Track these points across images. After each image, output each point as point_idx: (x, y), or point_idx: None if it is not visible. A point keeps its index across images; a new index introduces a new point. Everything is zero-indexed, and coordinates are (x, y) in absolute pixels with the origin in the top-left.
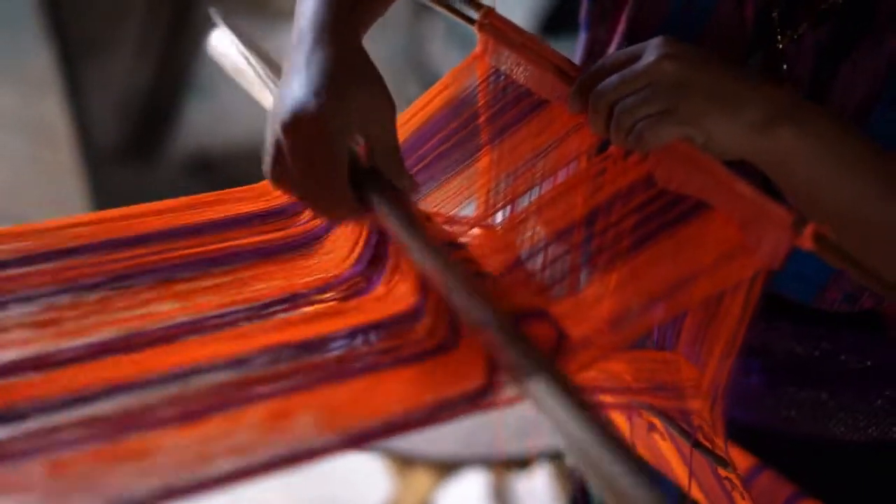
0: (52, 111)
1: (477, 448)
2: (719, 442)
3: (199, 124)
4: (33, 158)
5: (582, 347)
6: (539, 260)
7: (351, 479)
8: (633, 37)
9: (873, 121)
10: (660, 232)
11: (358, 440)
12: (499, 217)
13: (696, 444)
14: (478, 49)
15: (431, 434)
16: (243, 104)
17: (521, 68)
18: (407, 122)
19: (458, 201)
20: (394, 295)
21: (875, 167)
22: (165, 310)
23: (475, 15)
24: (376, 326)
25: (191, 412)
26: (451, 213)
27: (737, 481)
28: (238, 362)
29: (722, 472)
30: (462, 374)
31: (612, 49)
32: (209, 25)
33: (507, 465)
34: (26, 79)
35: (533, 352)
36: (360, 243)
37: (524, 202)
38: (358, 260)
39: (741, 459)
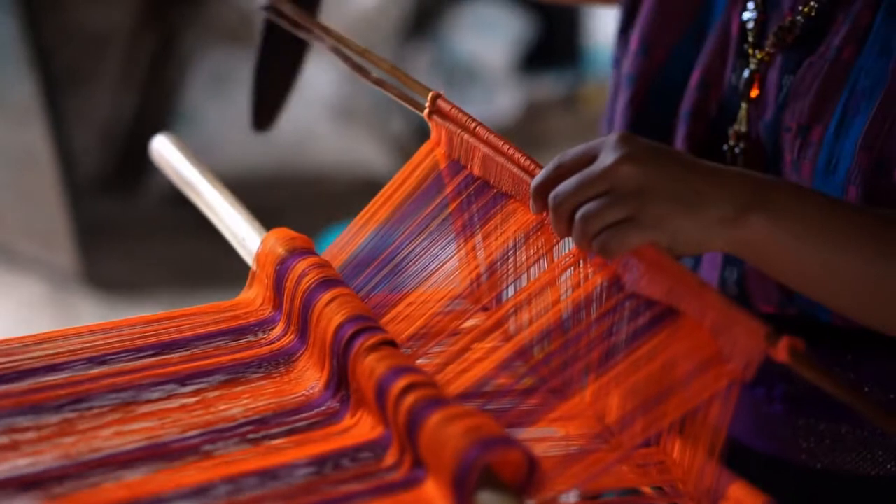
0: (36, 141)
1: None
2: None
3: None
4: (16, 187)
5: (557, 473)
6: (507, 377)
7: None
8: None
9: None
10: (632, 339)
11: None
12: (465, 325)
13: None
14: (433, 137)
15: None
16: (227, 134)
17: (475, 160)
18: (371, 215)
19: (428, 308)
20: (362, 424)
21: (864, 230)
22: (128, 430)
23: (425, 102)
24: (346, 454)
25: None
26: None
27: None
28: (200, 492)
29: None
30: None
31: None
32: (192, 55)
33: None
34: (9, 109)
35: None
36: (327, 367)
37: (494, 307)
38: (327, 385)
39: (750, 499)
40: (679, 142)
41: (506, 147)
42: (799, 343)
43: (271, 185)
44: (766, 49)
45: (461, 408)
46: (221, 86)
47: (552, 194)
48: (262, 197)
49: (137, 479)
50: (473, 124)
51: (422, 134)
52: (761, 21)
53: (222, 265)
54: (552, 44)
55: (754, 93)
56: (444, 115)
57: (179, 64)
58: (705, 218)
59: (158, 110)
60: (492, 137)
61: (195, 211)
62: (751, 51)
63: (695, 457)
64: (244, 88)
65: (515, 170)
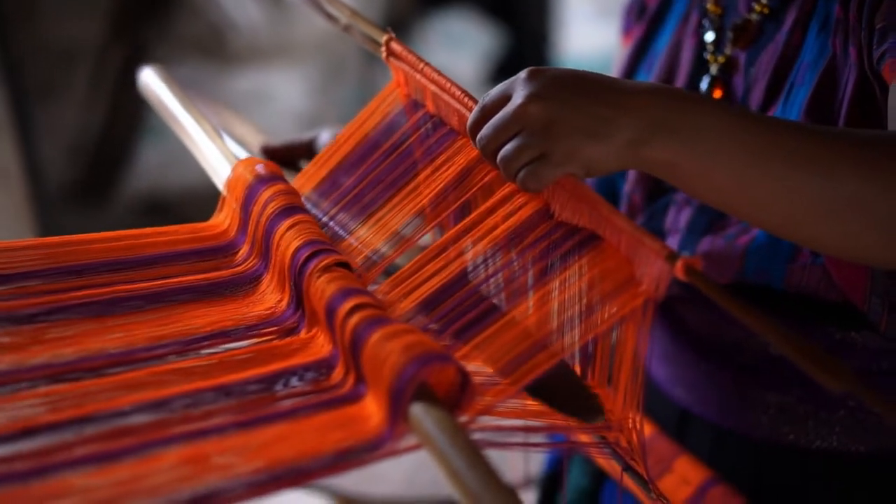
0: (5, 154)
1: (419, 488)
2: (642, 468)
3: (152, 166)
4: None
5: (488, 387)
6: (445, 299)
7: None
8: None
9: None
10: (560, 263)
11: (269, 484)
12: (413, 252)
13: (627, 468)
14: (394, 78)
15: (373, 474)
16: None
17: (428, 99)
18: (337, 149)
19: (387, 231)
20: (314, 343)
21: (776, 146)
22: (97, 341)
23: (381, 40)
24: (295, 372)
25: (106, 454)
26: (369, 252)
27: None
28: (158, 405)
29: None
30: (367, 423)
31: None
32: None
33: None
34: None
35: (429, 399)
36: (287, 289)
37: (436, 237)
38: (287, 305)
39: (693, 473)
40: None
41: (449, 86)
42: (695, 262)
43: None
44: (726, 52)
45: (401, 326)
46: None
47: (476, 138)
48: None
49: (100, 385)
50: (422, 64)
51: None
52: (718, 28)
53: None
54: (522, 57)
55: (717, 94)
56: (398, 57)
57: None
58: (613, 144)
59: (127, 124)
60: (438, 77)
61: (164, 221)
62: (711, 58)
63: (621, 401)
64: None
65: (460, 108)
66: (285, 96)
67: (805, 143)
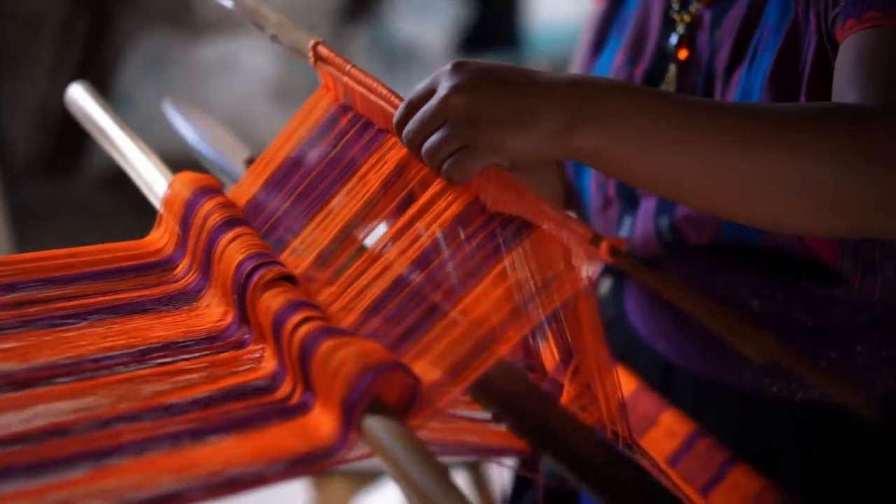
0: None
1: None
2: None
3: None
4: None
5: (438, 390)
6: (388, 303)
7: (268, 489)
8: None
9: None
10: (499, 253)
11: (224, 488)
12: (355, 253)
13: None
14: (322, 83)
15: None
16: (162, 117)
17: (357, 101)
18: (271, 158)
19: (322, 241)
20: (262, 357)
21: (698, 128)
22: (34, 353)
23: (308, 48)
24: (244, 388)
25: (49, 463)
26: (308, 264)
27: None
28: (105, 421)
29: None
30: (318, 432)
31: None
32: (126, 38)
33: None
34: None
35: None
36: (231, 304)
37: (373, 240)
38: (232, 320)
39: (679, 426)
40: None
41: (376, 85)
42: (619, 243)
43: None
44: (691, 10)
45: (349, 337)
46: (158, 67)
47: (403, 134)
48: None
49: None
50: (348, 66)
51: None
52: None
53: None
54: (491, 25)
55: (683, 54)
56: (326, 61)
57: (115, 46)
58: (538, 134)
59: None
60: (364, 77)
61: (131, 194)
62: (677, 17)
63: (594, 372)
64: (180, 72)
65: (387, 106)
66: (253, 65)
67: (726, 122)
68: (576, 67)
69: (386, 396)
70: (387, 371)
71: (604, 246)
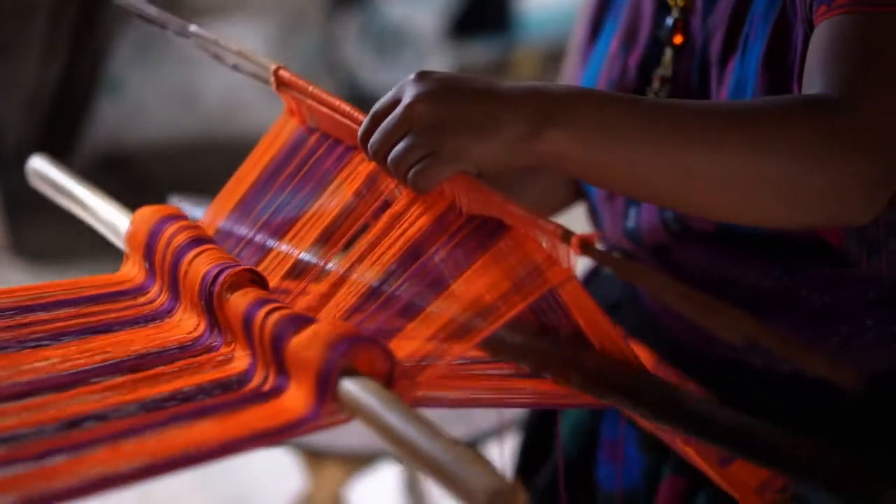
0: None
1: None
2: None
3: (111, 121)
4: None
5: (415, 369)
6: (371, 304)
7: (264, 475)
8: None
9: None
10: (475, 252)
11: (199, 459)
12: (330, 265)
13: None
14: (286, 107)
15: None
16: (153, 101)
17: (322, 121)
18: (238, 184)
19: (294, 255)
20: (234, 356)
21: (673, 126)
22: (13, 373)
23: (269, 73)
24: (217, 384)
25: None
26: (287, 269)
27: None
28: (73, 422)
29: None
30: (291, 408)
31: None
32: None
33: None
34: None
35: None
36: (201, 314)
37: (352, 247)
38: (204, 330)
39: (644, 359)
40: None
41: (339, 104)
42: (589, 238)
43: (199, 152)
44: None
45: (322, 322)
46: (148, 53)
47: (368, 146)
48: (188, 163)
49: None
50: (311, 87)
51: (349, 99)
52: None
53: None
54: (483, 9)
55: (678, 39)
56: (288, 84)
57: (105, 32)
58: (502, 140)
59: (84, 78)
60: (327, 97)
61: (123, 180)
62: (671, 1)
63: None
64: (171, 56)
65: (352, 124)
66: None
67: (690, 121)
68: (573, 55)
69: (361, 368)
70: (361, 342)
71: (574, 241)
